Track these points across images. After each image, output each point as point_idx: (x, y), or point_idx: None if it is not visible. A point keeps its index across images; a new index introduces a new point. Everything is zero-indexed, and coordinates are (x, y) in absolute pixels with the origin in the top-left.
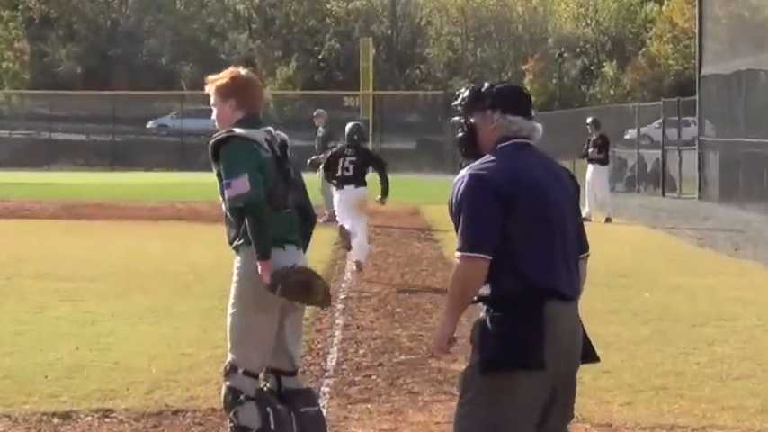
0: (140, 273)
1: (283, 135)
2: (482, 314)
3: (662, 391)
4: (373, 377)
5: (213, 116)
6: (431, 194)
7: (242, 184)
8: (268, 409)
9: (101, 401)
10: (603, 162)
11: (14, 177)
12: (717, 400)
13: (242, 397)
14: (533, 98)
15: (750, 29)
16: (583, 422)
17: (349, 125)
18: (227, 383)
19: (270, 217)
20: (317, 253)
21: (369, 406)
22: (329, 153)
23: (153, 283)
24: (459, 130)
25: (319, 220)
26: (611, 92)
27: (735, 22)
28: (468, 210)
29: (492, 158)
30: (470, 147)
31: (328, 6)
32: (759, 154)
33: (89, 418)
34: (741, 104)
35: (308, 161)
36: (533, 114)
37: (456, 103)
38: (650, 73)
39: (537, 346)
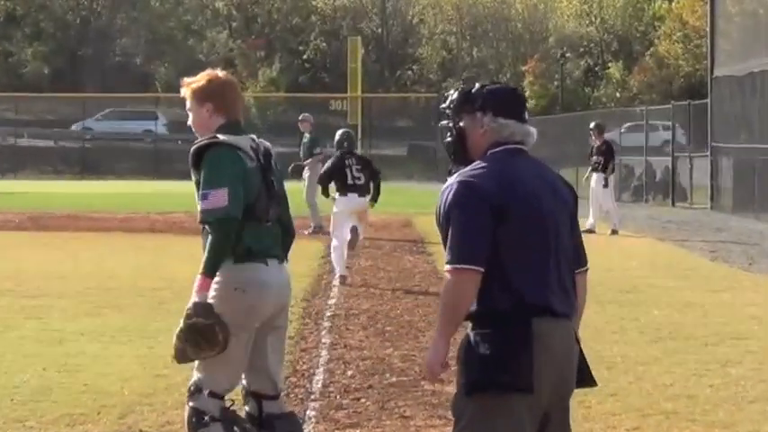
0: (112, 288)
1: (267, 143)
2: (468, 331)
3: (672, 415)
4: (362, 400)
5: (189, 121)
6: (423, 204)
7: (220, 198)
8: (235, 428)
9: (70, 426)
10: (609, 171)
11: None
12: (731, 425)
13: (206, 418)
14: (533, 101)
15: (765, 27)
16: None
17: (339, 132)
18: (191, 404)
19: (254, 230)
20: (302, 267)
21: (357, 431)
22: (327, 164)
23: (125, 300)
24: (448, 134)
25: (304, 232)
26: (617, 94)
27: (749, 21)
28: (458, 219)
29: (482, 165)
30: (459, 152)
31: (314, 3)
32: None
33: None
34: (756, 108)
35: (290, 168)
36: (527, 118)
37: (444, 105)
38: (659, 74)
39: (525, 366)
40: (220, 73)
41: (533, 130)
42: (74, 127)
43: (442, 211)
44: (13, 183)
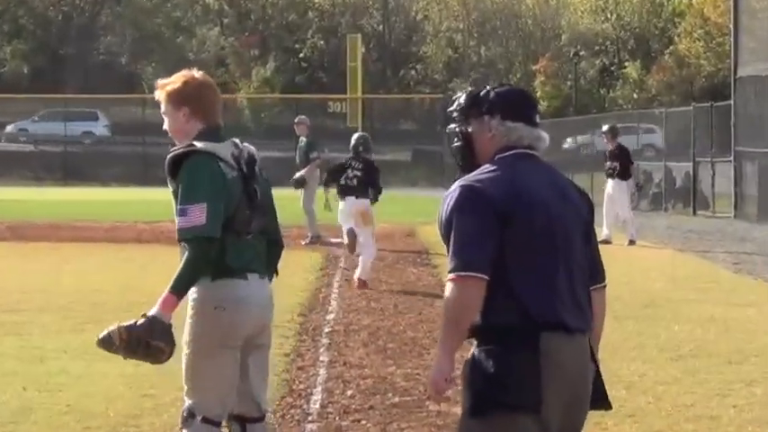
0: (96, 303)
1: (251, 148)
2: (472, 349)
3: None
4: (363, 422)
5: (165, 126)
6: (428, 213)
7: (198, 214)
8: None
9: None
10: (623, 176)
11: None
12: None
13: None
14: (545, 102)
15: None
16: None
17: (355, 136)
18: (185, 431)
19: (234, 244)
20: (299, 280)
21: None
22: (331, 166)
23: (111, 315)
24: (455, 139)
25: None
26: (635, 95)
27: None
28: (460, 224)
29: (488, 169)
30: (467, 157)
31: None
32: None
33: None
34: None
35: (292, 181)
36: (538, 121)
37: (452, 108)
38: (679, 74)
39: (532, 384)
40: (197, 74)
41: (545, 134)
42: (9, 128)
43: (443, 217)
44: None
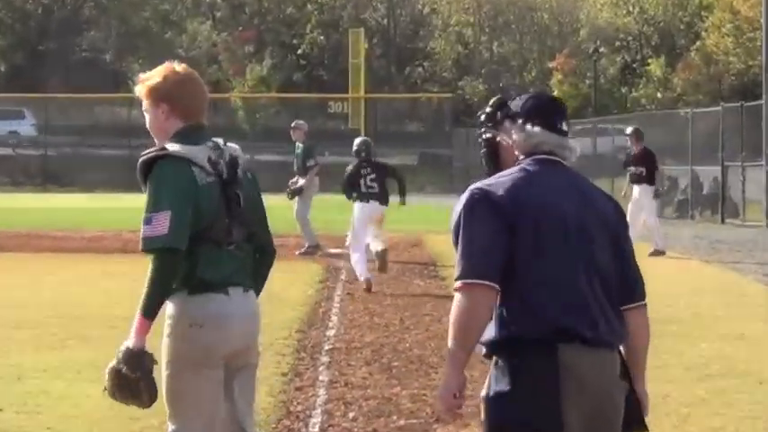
0: (78, 318)
1: (234, 149)
2: (490, 366)
3: None
4: None
5: (147, 124)
6: (436, 221)
7: (161, 224)
8: None
9: None
10: (650, 181)
11: None
12: None
13: None
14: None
15: None
16: None
17: (357, 140)
18: None
19: (212, 256)
20: (297, 293)
21: None
22: (347, 173)
23: (94, 331)
24: (482, 145)
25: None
26: (659, 95)
27: None
28: (468, 229)
29: (504, 173)
30: (493, 164)
31: None
32: None
33: None
34: None
35: (288, 192)
36: (564, 129)
37: (480, 113)
38: (706, 72)
39: (552, 403)
40: (178, 67)
41: (572, 143)
42: None
43: (453, 222)
44: None
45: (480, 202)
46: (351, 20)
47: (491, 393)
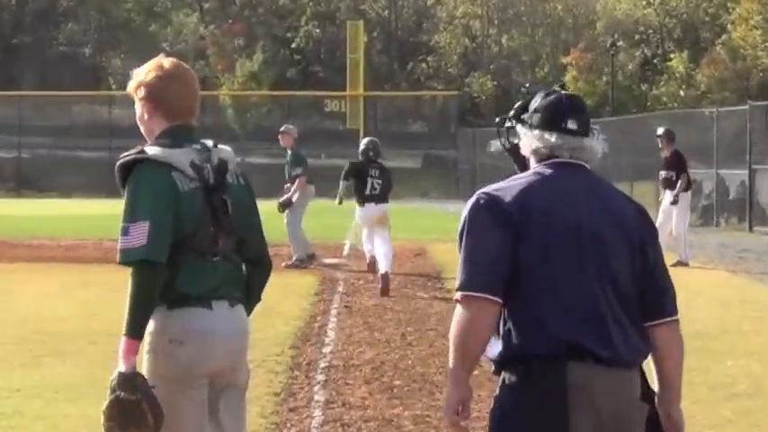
0: (55, 333)
1: (225, 152)
2: (497, 383)
3: None
4: None
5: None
6: (440, 228)
7: (139, 234)
8: None
9: None
10: (684, 186)
11: None
12: None
13: None
14: None
15: None
16: None
17: (365, 140)
18: None
19: (195, 267)
20: (291, 307)
21: None
22: (352, 163)
23: (72, 347)
24: (508, 153)
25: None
26: (681, 93)
27: None
28: (471, 237)
29: (517, 177)
30: (519, 171)
31: None
32: None
33: None
34: None
35: (278, 204)
36: (577, 128)
37: (501, 117)
38: (732, 68)
39: (558, 426)
40: (166, 62)
41: (590, 143)
42: None
43: (458, 229)
44: None
45: (485, 209)
46: (349, 11)
47: (497, 413)
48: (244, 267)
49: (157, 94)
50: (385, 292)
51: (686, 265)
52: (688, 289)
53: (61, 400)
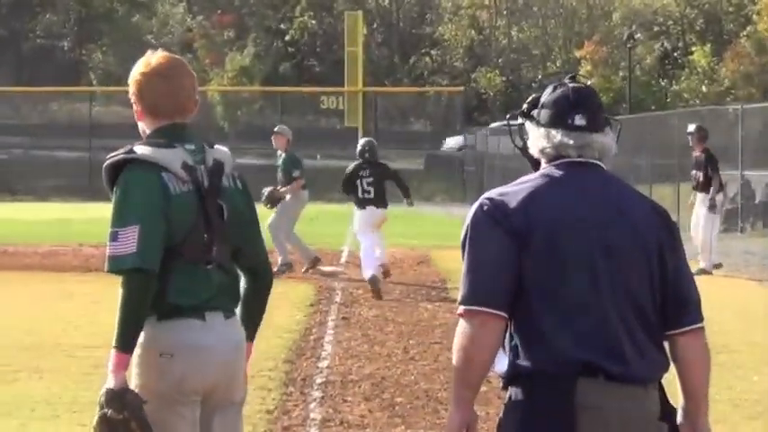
0: (31, 347)
1: (221, 153)
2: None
3: None
4: None
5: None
6: (445, 234)
7: (128, 240)
8: None
9: None
10: (709, 189)
11: None
12: None
13: None
14: None
15: None
16: None
17: (362, 141)
18: None
19: (186, 276)
20: (284, 318)
21: None
22: (345, 174)
23: (49, 362)
24: (521, 153)
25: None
26: (704, 88)
27: None
28: (474, 245)
29: (524, 180)
30: (535, 170)
31: None
32: None
33: None
34: None
35: (263, 195)
36: (585, 124)
37: (513, 114)
38: (758, 62)
39: None
40: (153, 58)
41: (600, 139)
42: None
43: (461, 236)
44: None
45: (488, 216)
46: (347, 1)
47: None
48: (243, 278)
49: (143, 92)
50: (377, 295)
51: (710, 273)
52: (710, 299)
53: (37, 419)
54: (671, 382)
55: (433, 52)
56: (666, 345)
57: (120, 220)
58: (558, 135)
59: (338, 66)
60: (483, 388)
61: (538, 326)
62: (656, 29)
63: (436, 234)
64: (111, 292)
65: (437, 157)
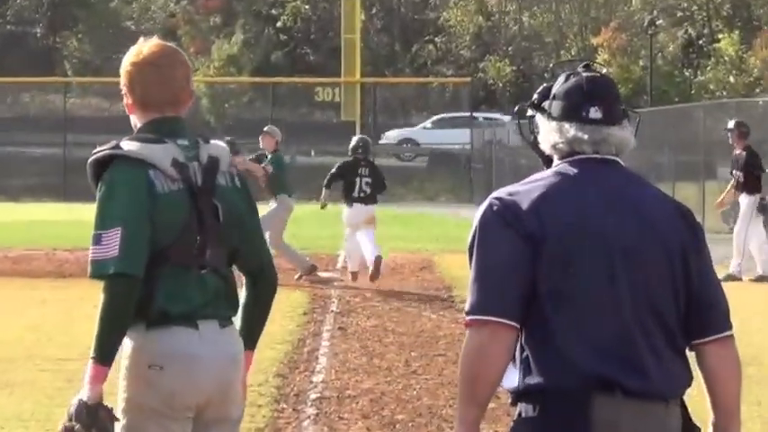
0: (1, 360)
1: (217, 148)
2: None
3: None
4: None
5: None
6: (449, 237)
7: (111, 244)
8: None
9: None
10: (750, 189)
11: None
12: None
13: None
14: None
15: None
16: None
17: (355, 138)
18: None
19: (177, 282)
20: (276, 328)
21: None
22: (340, 163)
23: (20, 375)
24: (532, 147)
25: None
26: (731, 79)
27: None
28: (482, 250)
29: (536, 179)
30: (547, 167)
31: None
32: None
33: None
34: None
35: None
36: (599, 116)
37: (522, 106)
38: None
39: None
40: (146, 46)
41: (619, 132)
42: None
43: (468, 240)
44: None
45: (498, 217)
46: None
47: None
48: (246, 283)
49: (133, 82)
50: (375, 276)
51: (739, 279)
52: (740, 307)
53: None
54: (693, 397)
55: (437, 40)
56: (692, 355)
57: (103, 221)
58: (571, 129)
59: (334, 54)
60: (491, 404)
61: (551, 337)
62: (679, 14)
63: (440, 237)
64: (87, 299)
65: (441, 154)
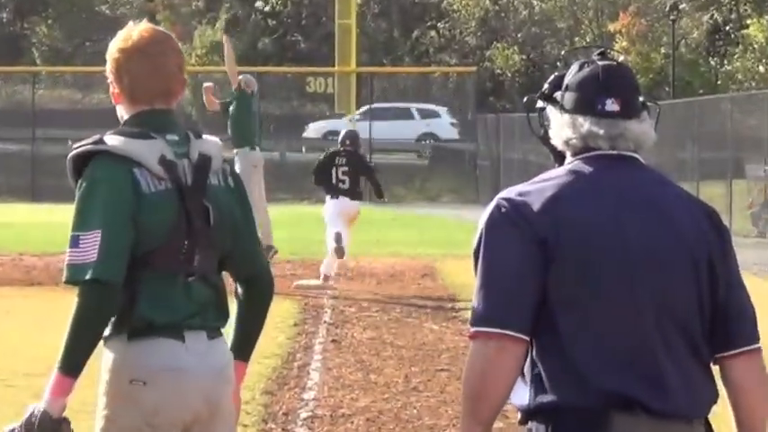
0: None
1: (209, 145)
2: None
3: None
4: None
5: None
6: (453, 241)
7: (88, 248)
8: None
9: None
10: None
11: None
12: None
13: None
14: None
15: None
16: None
17: (343, 130)
18: None
19: (162, 289)
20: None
21: None
22: (318, 160)
23: None
24: (542, 142)
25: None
26: (761, 68)
27: None
28: (489, 255)
29: (548, 177)
30: (557, 162)
31: None
32: None
33: None
34: None
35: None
36: (616, 109)
37: (531, 97)
38: None
39: None
40: (137, 31)
41: (638, 126)
42: None
43: (473, 244)
44: None
45: (506, 219)
46: None
47: None
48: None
49: (120, 71)
50: (340, 252)
51: None
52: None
53: None
54: (719, 415)
55: (439, 25)
56: (716, 369)
57: (82, 222)
58: (585, 123)
59: (328, 41)
60: (498, 424)
61: (565, 350)
62: None
63: (443, 241)
64: (56, 309)
65: (444, 150)
